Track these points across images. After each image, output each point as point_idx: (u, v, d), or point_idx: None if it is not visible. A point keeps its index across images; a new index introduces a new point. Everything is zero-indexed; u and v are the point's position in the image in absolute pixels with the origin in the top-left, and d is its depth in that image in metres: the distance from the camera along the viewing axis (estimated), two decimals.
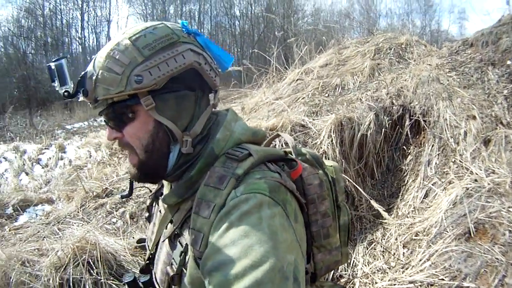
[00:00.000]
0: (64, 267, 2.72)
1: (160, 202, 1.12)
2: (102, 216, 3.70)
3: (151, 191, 1.29)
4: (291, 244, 0.82)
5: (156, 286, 1.07)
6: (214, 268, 0.77)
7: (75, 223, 3.56)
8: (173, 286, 0.96)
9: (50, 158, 8.01)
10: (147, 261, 1.15)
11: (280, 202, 0.86)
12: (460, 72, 5.13)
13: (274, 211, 0.83)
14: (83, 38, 24.89)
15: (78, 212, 3.82)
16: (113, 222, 3.61)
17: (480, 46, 5.56)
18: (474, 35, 5.92)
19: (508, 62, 4.92)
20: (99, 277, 2.73)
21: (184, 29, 0.98)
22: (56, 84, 0.95)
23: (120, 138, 0.99)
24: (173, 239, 0.99)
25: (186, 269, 0.91)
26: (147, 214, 1.26)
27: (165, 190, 1.12)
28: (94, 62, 0.94)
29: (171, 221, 1.02)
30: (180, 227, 0.97)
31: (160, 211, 1.11)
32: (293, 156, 1.07)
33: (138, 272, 1.19)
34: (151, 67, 0.89)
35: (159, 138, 0.96)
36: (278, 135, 1.22)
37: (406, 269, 3.06)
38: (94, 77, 0.92)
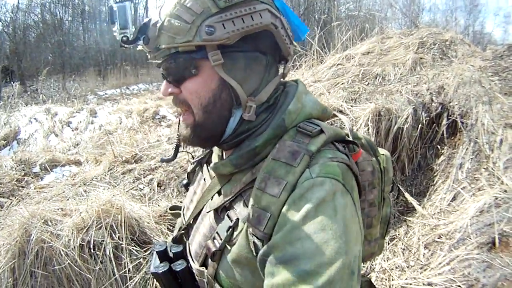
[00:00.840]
0: (86, 228, 2.72)
1: (205, 170, 1.08)
2: (129, 182, 3.71)
3: (193, 157, 1.23)
4: (357, 235, 0.79)
5: (189, 259, 1.02)
6: (285, 261, 0.72)
7: (101, 186, 3.57)
8: (209, 261, 0.91)
9: (80, 122, 8.19)
10: (182, 231, 1.10)
11: (350, 190, 0.81)
12: (503, 78, 4.92)
13: (346, 200, 0.79)
14: None
15: (105, 175, 3.84)
16: (140, 188, 3.60)
17: None
18: None
19: None
20: (120, 242, 2.73)
21: None
22: (116, 27, 0.89)
23: (177, 94, 0.92)
24: (220, 211, 0.92)
25: (230, 246, 0.86)
26: (185, 181, 1.21)
27: (214, 158, 1.06)
28: (160, 9, 0.88)
29: (218, 192, 0.95)
30: (232, 200, 0.90)
31: (204, 179, 1.06)
32: (351, 138, 1.00)
33: (170, 241, 1.13)
34: (226, 20, 0.83)
35: (221, 99, 0.89)
36: (335, 115, 1.16)
37: (425, 270, 3.00)
38: (159, 24, 0.86)
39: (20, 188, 3.96)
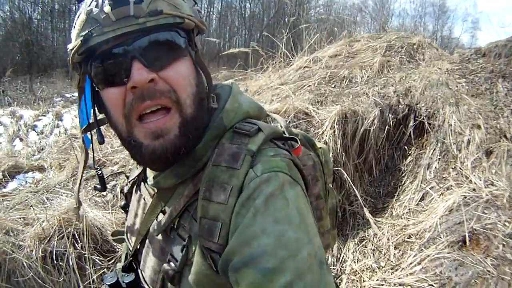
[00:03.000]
0: (48, 238, 2.63)
1: (143, 188, 0.98)
2: (92, 188, 3.55)
3: (127, 177, 1.12)
4: (314, 225, 0.75)
5: (145, 286, 0.93)
6: (244, 264, 0.66)
7: (64, 193, 3.43)
8: (169, 285, 0.83)
9: (46, 125, 8.01)
10: (131, 258, 1.00)
11: (298, 180, 0.77)
12: (470, 80, 5.07)
13: (296, 190, 0.75)
14: None
15: (69, 182, 3.69)
16: (103, 195, 3.47)
17: (493, 57, 5.50)
18: (487, 46, 5.86)
19: None
20: (83, 252, 2.64)
21: None
22: None
23: (156, 80, 0.74)
24: (170, 231, 0.84)
25: (188, 266, 0.79)
26: (122, 203, 1.11)
27: (150, 175, 0.92)
28: None
29: (162, 211, 0.87)
30: (180, 217, 0.82)
31: (144, 198, 0.97)
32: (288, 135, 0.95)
33: (119, 270, 1.04)
34: (197, 9, 0.82)
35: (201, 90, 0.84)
36: (268, 115, 1.11)
37: (396, 270, 3.02)
38: None
39: None
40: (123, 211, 1.11)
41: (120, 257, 1.12)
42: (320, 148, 1.09)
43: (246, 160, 0.74)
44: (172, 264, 0.81)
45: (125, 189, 1.10)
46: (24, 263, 2.48)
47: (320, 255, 0.69)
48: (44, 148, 6.25)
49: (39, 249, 2.55)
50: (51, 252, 2.57)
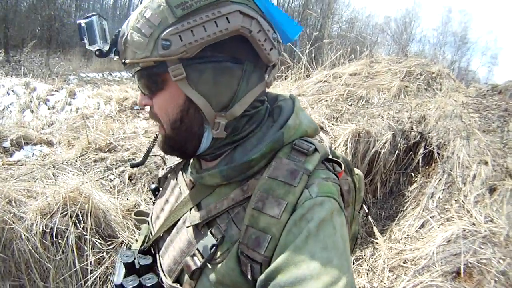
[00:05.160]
0: (51, 214, 2.59)
1: (181, 177, 1.00)
2: (100, 171, 3.57)
3: (165, 161, 1.16)
4: (350, 252, 0.78)
5: (160, 273, 0.94)
6: (290, 284, 0.68)
7: (71, 171, 3.41)
8: (186, 278, 0.85)
9: (58, 101, 7.95)
10: (151, 243, 1.02)
11: (343, 209, 0.80)
12: (483, 116, 5.08)
13: (342, 219, 0.78)
14: None
15: (77, 161, 3.68)
16: (110, 179, 3.47)
17: (508, 96, 5.52)
18: (505, 84, 5.87)
19: None
20: (84, 233, 2.61)
21: None
22: (86, 42, 0.86)
23: (151, 106, 0.87)
24: (201, 227, 0.85)
25: (211, 264, 0.81)
26: (153, 186, 1.13)
27: (191, 166, 0.96)
28: (129, 19, 0.82)
29: (197, 205, 0.89)
30: (217, 216, 0.83)
31: (180, 188, 0.98)
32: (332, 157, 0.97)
33: (136, 251, 1.05)
34: (183, 30, 0.74)
35: (189, 116, 0.83)
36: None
37: None
38: (124, 37, 0.81)
39: None
40: (152, 194, 1.12)
41: (137, 240, 1.14)
42: (357, 174, 1.10)
43: (303, 178, 0.76)
44: (196, 259, 0.82)
45: (160, 173, 1.13)
46: (23, 235, 2.45)
47: (353, 282, 0.71)
48: (54, 123, 6.19)
49: (40, 224, 2.52)
50: (51, 229, 2.53)
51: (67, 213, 2.61)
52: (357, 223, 1.13)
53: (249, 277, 0.75)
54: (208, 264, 0.81)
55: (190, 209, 0.90)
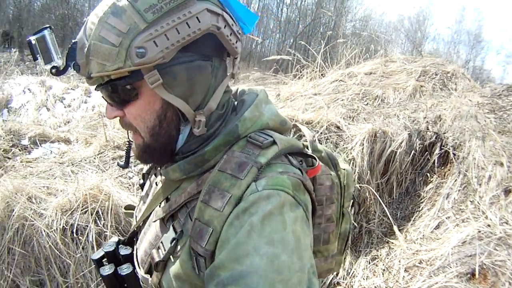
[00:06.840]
0: (71, 211, 2.61)
1: (159, 174, 1.00)
2: (118, 168, 3.57)
3: None
4: (310, 250, 0.74)
5: (136, 263, 0.96)
6: (232, 280, 0.64)
7: (89, 169, 3.44)
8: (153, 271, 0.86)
9: (74, 99, 8.00)
10: (130, 234, 1.04)
11: (301, 203, 0.75)
12: (499, 116, 5.04)
13: (296, 213, 0.73)
14: None
15: (95, 159, 3.70)
16: (129, 176, 3.48)
17: None
18: None
19: None
20: (104, 229, 2.62)
21: None
22: (40, 61, 0.79)
23: (122, 116, 0.84)
24: (166, 220, 0.86)
25: (173, 258, 0.81)
26: (141, 181, 1.15)
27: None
28: (85, 28, 0.76)
29: (167, 199, 0.90)
30: (178, 210, 0.84)
31: (156, 183, 1.00)
32: (310, 151, 0.95)
33: (120, 240, 1.07)
34: (157, 36, 0.71)
35: (167, 119, 0.82)
36: (295, 126, 1.09)
37: None
38: (85, 49, 0.74)
39: (7, 159, 3.85)
40: (141, 189, 1.13)
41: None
42: (344, 169, 1.06)
43: (251, 171, 0.74)
44: (160, 251, 0.84)
45: (144, 169, 1.15)
46: (43, 232, 2.46)
47: (311, 283, 0.68)
48: (70, 121, 6.24)
49: (60, 220, 2.53)
50: (71, 225, 2.55)
51: (87, 210, 2.64)
52: (347, 221, 1.09)
53: (196, 271, 0.75)
54: (171, 257, 0.81)
55: (160, 203, 0.91)
